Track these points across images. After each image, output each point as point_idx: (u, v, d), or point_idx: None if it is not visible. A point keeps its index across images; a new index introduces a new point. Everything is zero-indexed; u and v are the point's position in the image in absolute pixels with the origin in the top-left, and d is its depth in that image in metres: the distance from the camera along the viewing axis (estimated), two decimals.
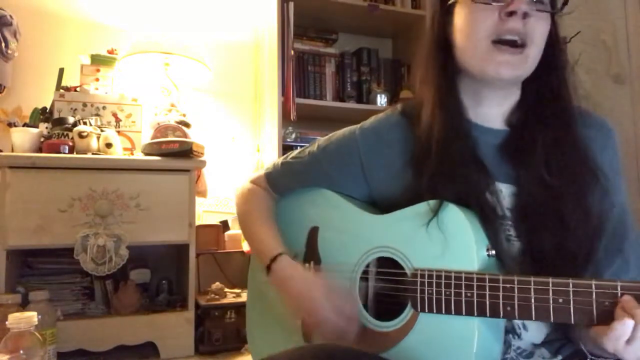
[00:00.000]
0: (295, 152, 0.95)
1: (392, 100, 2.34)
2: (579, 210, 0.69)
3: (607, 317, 0.54)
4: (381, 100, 2.33)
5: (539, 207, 0.70)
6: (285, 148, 2.15)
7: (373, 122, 0.87)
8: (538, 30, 0.70)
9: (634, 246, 0.74)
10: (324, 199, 0.89)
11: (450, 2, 0.75)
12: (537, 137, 0.73)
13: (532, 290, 0.59)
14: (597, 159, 0.72)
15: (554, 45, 0.75)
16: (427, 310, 0.68)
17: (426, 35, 0.81)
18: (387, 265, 0.76)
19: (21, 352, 0.99)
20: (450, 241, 0.68)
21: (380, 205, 0.84)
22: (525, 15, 0.68)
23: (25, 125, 1.79)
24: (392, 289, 0.74)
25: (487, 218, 0.69)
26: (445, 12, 0.77)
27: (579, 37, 2.21)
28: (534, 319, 0.59)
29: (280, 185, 0.95)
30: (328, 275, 0.83)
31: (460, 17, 0.74)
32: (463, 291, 0.64)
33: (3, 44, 1.88)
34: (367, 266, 0.79)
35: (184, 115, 1.99)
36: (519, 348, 0.72)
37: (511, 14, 0.68)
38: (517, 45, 0.70)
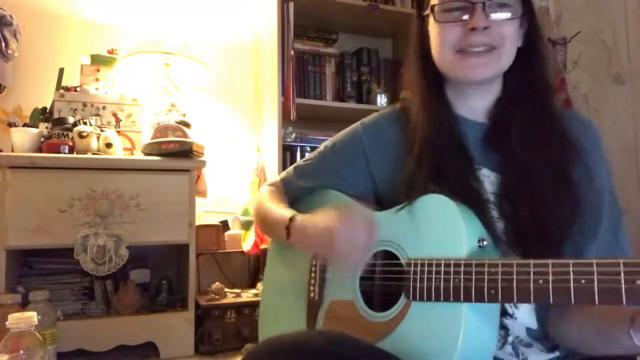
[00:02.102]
0: (306, 156, 1.01)
1: (392, 100, 2.34)
2: (556, 186, 0.72)
3: (584, 296, 0.55)
4: (381, 100, 2.33)
5: (519, 184, 0.73)
6: (285, 148, 2.15)
7: (374, 117, 0.93)
8: (505, 33, 0.75)
9: (606, 235, 0.75)
10: (331, 199, 0.91)
11: (424, 14, 0.82)
12: (513, 118, 0.78)
13: (515, 272, 0.60)
14: (574, 135, 0.75)
15: (533, 37, 0.80)
16: (417, 298, 0.69)
17: (410, 41, 0.87)
18: (390, 259, 0.77)
19: (21, 352, 0.99)
20: (441, 232, 0.70)
21: (385, 199, 0.87)
22: (486, 27, 0.74)
23: (25, 125, 1.79)
24: (391, 280, 0.76)
25: (475, 205, 0.71)
26: (422, 22, 0.84)
27: (579, 37, 2.21)
28: (515, 300, 0.60)
29: (293, 187, 0.99)
30: (341, 204, 0.83)
31: (431, 30, 0.81)
32: (451, 277, 0.66)
33: (3, 44, 1.88)
34: (374, 258, 0.80)
35: (184, 115, 1.99)
36: (517, 337, 0.73)
37: (473, 29, 0.74)
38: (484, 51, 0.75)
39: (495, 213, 0.74)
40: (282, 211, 0.89)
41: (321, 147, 0.97)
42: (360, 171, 0.90)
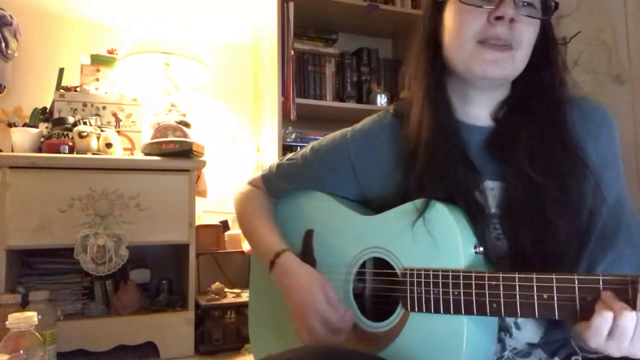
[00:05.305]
0: (290, 155, 0.97)
1: (392, 100, 2.34)
2: (562, 208, 0.68)
3: (590, 312, 0.54)
4: (381, 100, 2.33)
5: (522, 204, 0.70)
6: (285, 148, 2.15)
7: (365, 124, 0.88)
8: (525, 34, 0.71)
9: (628, 239, 0.72)
10: (318, 202, 0.90)
11: (440, 0, 0.76)
12: (521, 133, 0.73)
13: (517, 286, 0.59)
14: (587, 150, 0.71)
15: (547, 45, 0.75)
16: (416, 310, 0.68)
17: (418, 35, 0.81)
18: (382, 266, 0.76)
19: (21, 352, 0.99)
20: (437, 239, 0.68)
21: (374, 204, 0.84)
22: (512, 20, 0.69)
23: (25, 125, 1.79)
24: (385, 289, 0.75)
25: (474, 216, 0.69)
26: (436, 12, 0.78)
27: (579, 37, 2.21)
28: (519, 315, 0.59)
29: (275, 187, 0.97)
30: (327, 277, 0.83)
31: (449, 17, 0.75)
32: (450, 289, 0.64)
33: (3, 44, 1.88)
34: (363, 266, 0.79)
35: (184, 115, 1.99)
36: (515, 348, 0.72)
37: (498, 18, 0.69)
38: (503, 46, 0.70)
39: (499, 229, 0.71)
40: (271, 237, 0.88)
41: (307, 148, 0.93)
42: (345, 179, 0.86)
